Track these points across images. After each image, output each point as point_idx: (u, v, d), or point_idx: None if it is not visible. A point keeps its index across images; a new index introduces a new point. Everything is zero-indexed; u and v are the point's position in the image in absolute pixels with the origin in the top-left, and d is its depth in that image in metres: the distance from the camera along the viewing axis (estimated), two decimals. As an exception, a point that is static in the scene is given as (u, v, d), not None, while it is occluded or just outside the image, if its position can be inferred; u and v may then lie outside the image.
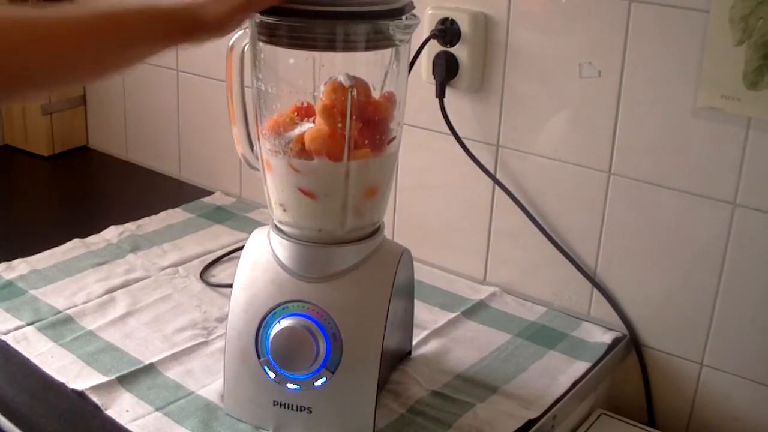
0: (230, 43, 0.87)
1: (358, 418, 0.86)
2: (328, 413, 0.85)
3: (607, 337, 1.06)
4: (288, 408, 0.85)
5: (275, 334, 0.83)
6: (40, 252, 1.20)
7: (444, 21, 1.11)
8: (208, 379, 0.94)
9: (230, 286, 0.89)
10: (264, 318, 0.85)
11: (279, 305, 0.84)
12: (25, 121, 1.61)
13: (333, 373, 0.84)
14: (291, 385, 0.85)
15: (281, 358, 0.84)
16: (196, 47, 0.78)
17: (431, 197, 1.22)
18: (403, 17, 0.81)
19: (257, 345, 0.85)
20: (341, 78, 0.82)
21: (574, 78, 1.05)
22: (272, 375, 0.85)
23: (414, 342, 1.02)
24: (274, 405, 0.86)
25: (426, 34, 1.11)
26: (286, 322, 0.83)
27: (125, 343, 1.00)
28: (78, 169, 1.62)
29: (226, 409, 0.89)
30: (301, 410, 0.85)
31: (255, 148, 0.90)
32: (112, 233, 1.27)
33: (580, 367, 1.00)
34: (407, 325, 0.99)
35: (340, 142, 0.82)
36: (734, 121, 0.95)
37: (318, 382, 0.84)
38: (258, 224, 1.14)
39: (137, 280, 1.14)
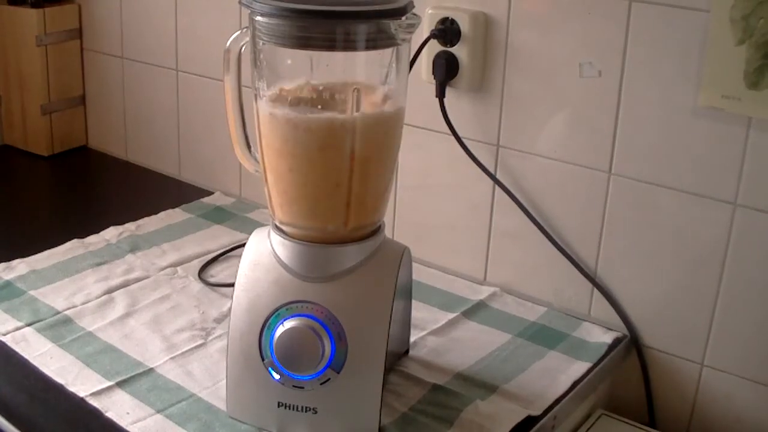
0: (227, 45, 0.86)
1: (363, 416, 0.85)
2: (333, 413, 0.85)
3: (607, 338, 1.06)
4: (293, 409, 0.85)
5: (280, 336, 0.83)
6: (39, 252, 1.19)
7: (444, 21, 1.11)
8: (208, 381, 0.94)
9: (229, 285, 0.89)
10: (267, 319, 0.84)
11: (282, 306, 0.84)
12: (25, 121, 1.60)
13: (338, 372, 0.83)
14: (296, 386, 0.85)
15: (286, 359, 0.83)
16: None
17: (431, 197, 1.22)
18: (404, 16, 0.81)
19: (261, 347, 0.85)
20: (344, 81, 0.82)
21: (574, 78, 1.05)
22: (277, 376, 0.85)
23: (414, 342, 1.02)
24: (278, 406, 0.85)
25: (426, 34, 1.11)
26: (290, 323, 0.83)
27: (124, 344, 1.00)
28: (77, 169, 1.61)
29: (229, 412, 0.88)
30: (306, 411, 0.85)
31: (252, 149, 0.90)
32: (111, 233, 1.27)
33: (580, 367, 1.00)
34: (405, 324, 0.99)
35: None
36: (735, 121, 0.94)
37: (323, 382, 0.84)
38: (258, 224, 1.14)
39: (136, 280, 1.14)
